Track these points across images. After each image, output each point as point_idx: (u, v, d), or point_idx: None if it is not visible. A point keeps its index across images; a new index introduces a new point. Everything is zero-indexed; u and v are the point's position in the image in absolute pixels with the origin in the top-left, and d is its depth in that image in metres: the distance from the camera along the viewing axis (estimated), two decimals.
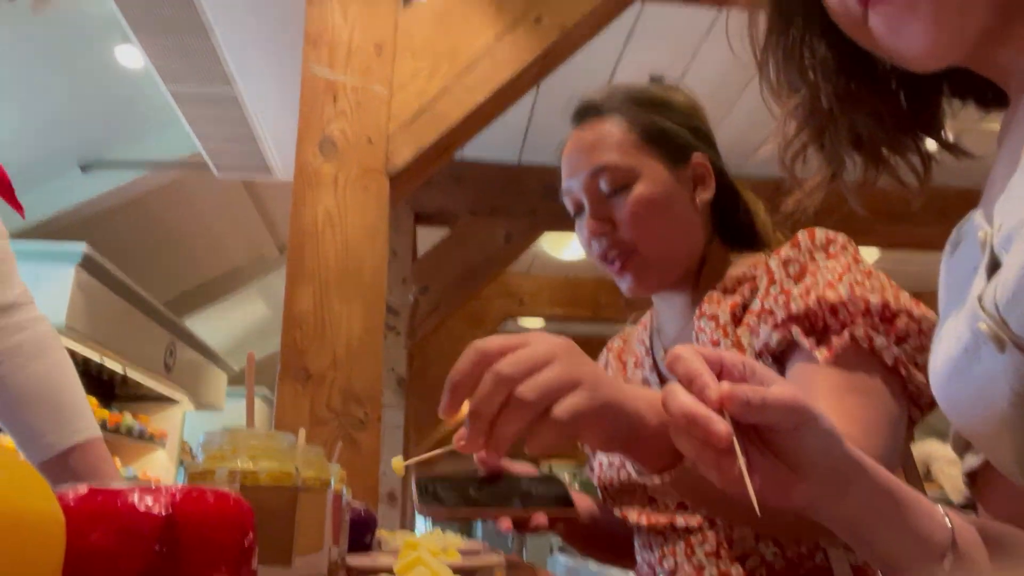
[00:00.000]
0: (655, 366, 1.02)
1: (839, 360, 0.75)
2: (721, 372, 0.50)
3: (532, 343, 0.55)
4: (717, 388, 0.47)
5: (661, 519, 0.93)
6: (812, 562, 0.85)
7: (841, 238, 0.86)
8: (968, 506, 2.53)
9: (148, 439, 4.46)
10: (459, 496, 0.90)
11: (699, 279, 0.98)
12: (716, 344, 0.90)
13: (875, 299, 0.76)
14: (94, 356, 3.60)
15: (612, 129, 0.97)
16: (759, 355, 0.83)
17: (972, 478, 0.59)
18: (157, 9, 2.28)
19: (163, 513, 0.35)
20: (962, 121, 0.63)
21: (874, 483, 0.51)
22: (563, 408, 0.53)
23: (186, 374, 4.68)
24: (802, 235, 0.87)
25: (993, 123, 0.59)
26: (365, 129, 1.79)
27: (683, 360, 0.50)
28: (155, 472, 4.63)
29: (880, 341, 0.75)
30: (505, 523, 0.93)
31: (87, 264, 3.33)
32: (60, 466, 1.11)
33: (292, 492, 0.56)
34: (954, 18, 0.48)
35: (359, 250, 1.73)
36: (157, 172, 3.84)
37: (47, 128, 3.46)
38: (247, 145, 3.13)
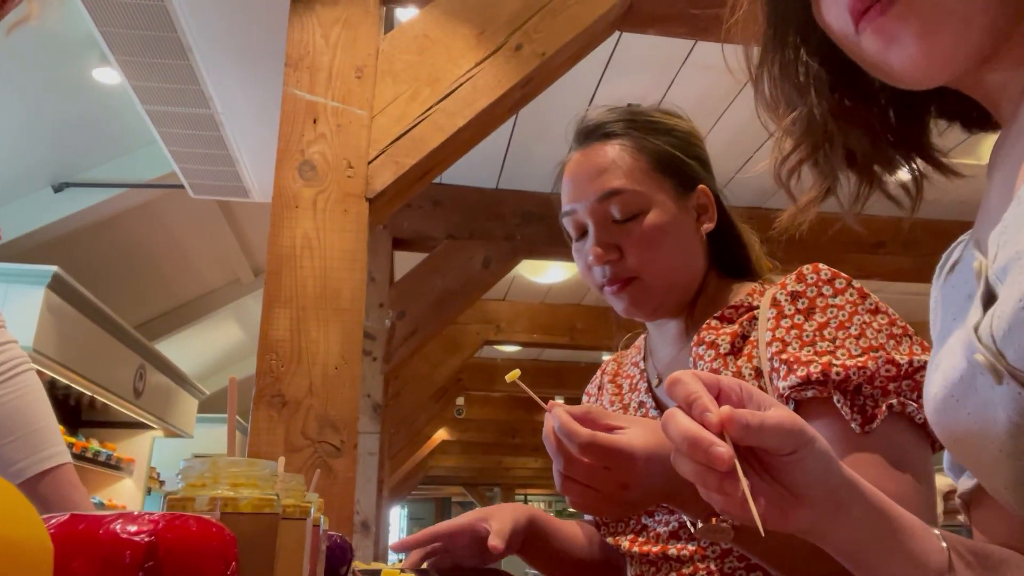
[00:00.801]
0: (650, 389, 1.02)
1: (876, 432, 0.75)
2: (719, 396, 0.50)
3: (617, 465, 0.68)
4: (718, 412, 0.47)
5: (653, 548, 0.92)
6: None
7: (844, 274, 0.86)
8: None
9: (115, 466, 4.36)
10: None
11: (694, 307, 0.98)
12: (716, 372, 0.90)
13: (902, 359, 0.76)
14: (61, 380, 3.52)
15: (621, 153, 0.96)
16: (784, 398, 0.82)
17: (966, 501, 0.60)
18: (136, 29, 2.27)
19: (145, 540, 0.35)
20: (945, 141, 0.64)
21: (871, 506, 0.52)
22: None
23: (156, 399, 4.58)
24: (807, 269, 0.87)
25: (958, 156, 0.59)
26: (345, 152, 1.79)
27: (682, 384, 0.50)
28: (122, 500, 4.52)
29: (912, 407, 0.76)
30: None
31: (56, 285, 3.27)
32: (29, 492, 1.08)
33: (273, 520, 0.55)
34: (946, 38, 0.49)
35: (337, 275, 1.72)
36: (131, 192, 3.80)
37: (19, 147, 3.42)
38: (224, 166, 3.12)
